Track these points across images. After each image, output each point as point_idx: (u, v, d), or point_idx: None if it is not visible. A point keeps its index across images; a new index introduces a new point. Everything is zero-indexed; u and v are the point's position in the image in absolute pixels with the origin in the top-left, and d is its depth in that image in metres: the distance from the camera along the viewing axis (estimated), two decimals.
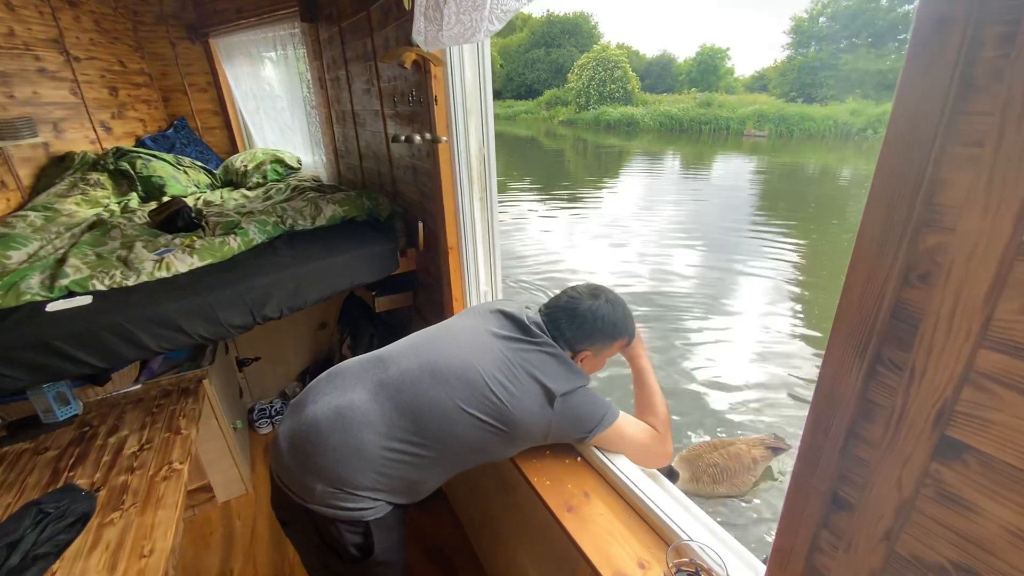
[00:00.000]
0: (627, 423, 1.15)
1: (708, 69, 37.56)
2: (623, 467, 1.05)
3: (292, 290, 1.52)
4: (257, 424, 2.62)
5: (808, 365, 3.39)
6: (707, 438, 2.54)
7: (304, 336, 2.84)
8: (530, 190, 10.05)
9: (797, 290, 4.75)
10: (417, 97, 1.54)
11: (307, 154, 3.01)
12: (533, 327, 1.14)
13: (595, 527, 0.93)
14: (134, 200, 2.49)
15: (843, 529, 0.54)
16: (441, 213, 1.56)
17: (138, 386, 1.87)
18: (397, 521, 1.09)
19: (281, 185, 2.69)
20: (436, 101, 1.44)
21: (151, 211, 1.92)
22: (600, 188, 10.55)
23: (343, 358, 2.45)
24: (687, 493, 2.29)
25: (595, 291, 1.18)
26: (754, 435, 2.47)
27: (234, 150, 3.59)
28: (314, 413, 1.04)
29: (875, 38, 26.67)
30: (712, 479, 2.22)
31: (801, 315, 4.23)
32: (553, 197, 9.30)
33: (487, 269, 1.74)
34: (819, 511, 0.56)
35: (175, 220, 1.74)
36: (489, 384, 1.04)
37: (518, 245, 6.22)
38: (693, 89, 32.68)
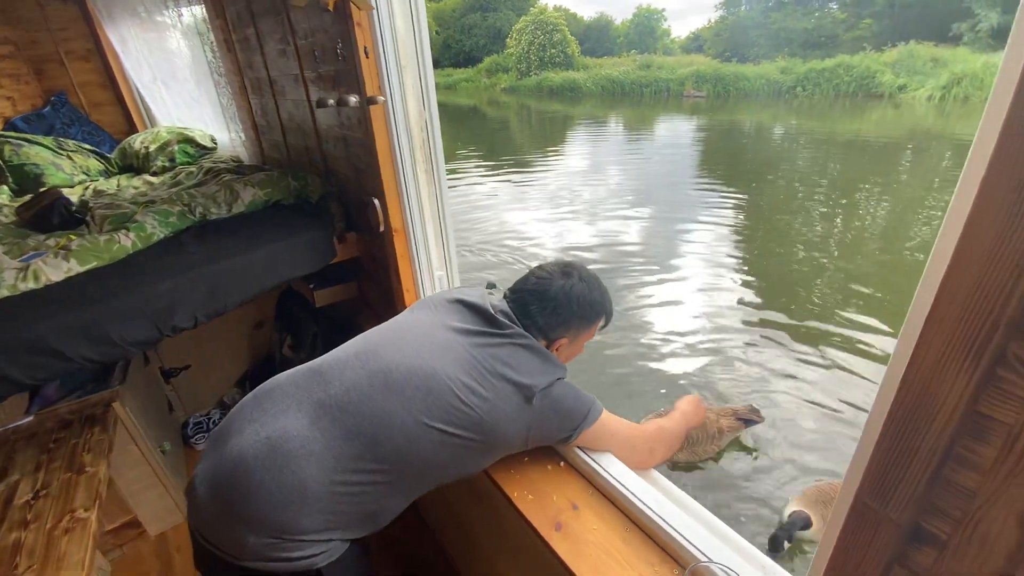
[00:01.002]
0: (614, 418, 1.02)
1: (645, 31, 37.59)
2: (614, 470, 0.92)
3: (206, 293, 1.27)
4: (193, 440, 2.34)
5: (747, 331, 3.42)
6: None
7: (240, 337, 2.55)
8: (477, 160, 9.75)
9: (739, 252, 4.87)
10: (342, 51, 1.28)
11: (222, 131, 2.63)
12: (500, 316, 0.98)
13: (589, 547, 0.81)
14: (4, 195, 2.07)
15: (928, 568, 0.42)
16: (380, 190, 1.34)
17: (30, 418, 1.56)
18: (356, 557, 0.93)
19: (193, 168, 2.33)
20: (366, 53, 1.20)
21: (19, 206, 1.56)
22: (547, 155, 10.41)
23: (284, 360, 2.20)
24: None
25: (566, 269, 1.02)
26: (730, 405, 2.44)
27: (133, 130, 3.11)
28: (239, 448, 0.84)
29: None
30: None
31: (745, 269, 4.39)
32: (501, 166, 9.07)
33: (440, 251, 1.54)
34: (893, 545, 0.44)
35: (49, 216, 1.41)
36: (455, 390, 0.88)
37: (469, 216, 6.04)
38: (632, 51, 32.65)
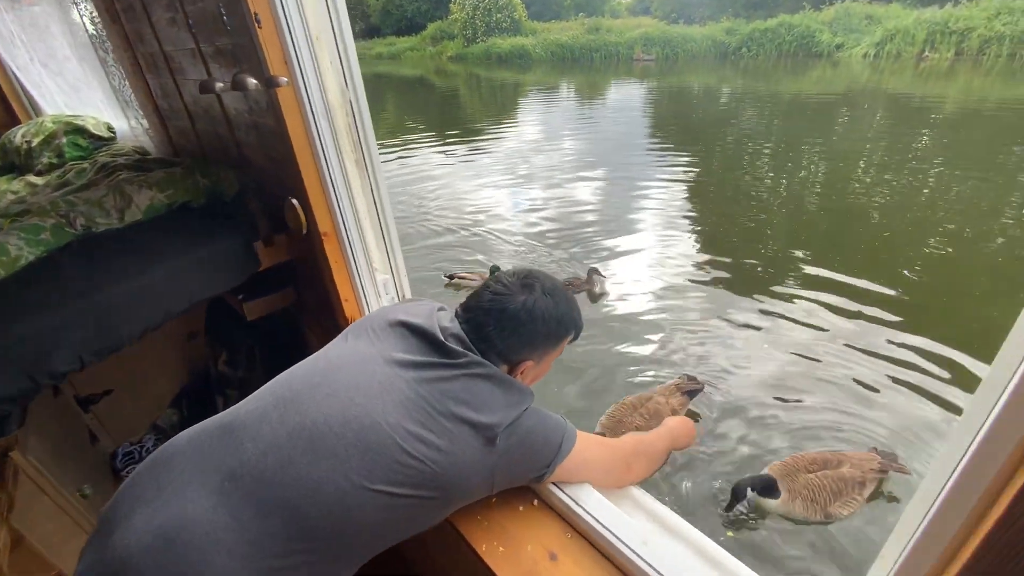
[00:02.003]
0: (587, 440, 0.90)
1: None
2: (596, 509, 0.81)
3: (93, 328, 1.04)
4: (125, 472, 2.09)
5: (701, 287, 3.52)
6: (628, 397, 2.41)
7: (171, 351, 2.27)
8: (428, 133, 9.34)
9: (693, 211, 4.97)
10: (229, 20, 1.04)
11: (120, 118, 2.27)
12: (451, 342, 0.83)
13: None
14: None
15: None
16: (301, 187, 1.13)
17: None
18: None
19: (86, 164, 1.99)
20: (258, 22, 0.97)
21: None
22: (500, 124, 10.12)
23: (221, 378, 1.97)
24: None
25: (527, 281, 0.87)
26: (670, 381, 2.40)
27: (15, 121, 2.67)
28: (125, 544, 0.65)
29: None
30: None
31: (698, 227, 4.49)
32: (453, 137, 8.74)
33: (382, 253, 1.35)
34: None
35: None
36: (400, 442, 0.72)
37: (424, 189, 5.82)
38: (580, 15, 31.94)
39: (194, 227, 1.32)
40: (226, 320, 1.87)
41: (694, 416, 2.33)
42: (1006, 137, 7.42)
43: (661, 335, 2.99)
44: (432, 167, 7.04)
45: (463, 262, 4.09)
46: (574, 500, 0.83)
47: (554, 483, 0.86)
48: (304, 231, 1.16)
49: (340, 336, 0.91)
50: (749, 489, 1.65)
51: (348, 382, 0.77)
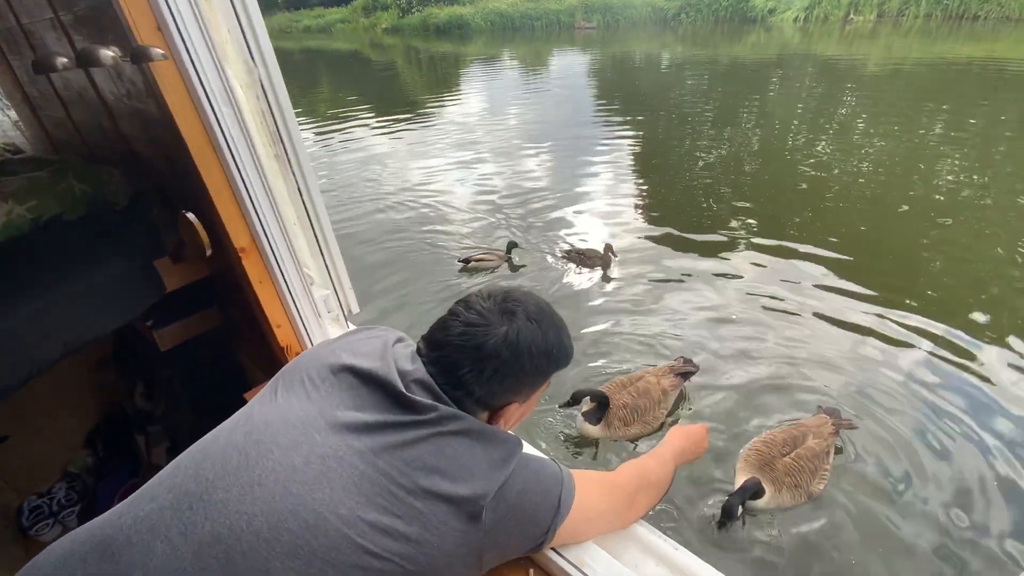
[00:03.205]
0: (586, 484, 0.76)
1: None
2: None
3: None
4: (35, 530, 1.78)
5: (653, 247, 3.60)
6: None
7: (78, 385, 1.94)
8: (368, 110, 8.80)
9: (639, 179, 5.01)
10: None
11: None
12: (415, 392, 0.65)
13: None
14: None
15: None
16: (203, 193, 0.89)
17: None
18: None
19: None
20: None
21: None
22: (442, 99, 9.70)
23: (140, 415, 1.70)
24: (598, 439, 2.14)
25: (506, 306, 0.69)
26: (664, 363, 2.35)
27: None
28: None
29: None
30: (623, 421, 2.06)
31: (645, 193, 4.60)
32: (395, 114, 8.29)
33: (319, 264, 1.13)
34: None
35: None
36: (359, 541, 0.55)
37: (370, 176, 5.50)
38: None
39: (71, 248, 1.05)
40: (142, 346, 1.59)
41: (687, 398, 2.31)
42: (923, 93, 7.90)
43: (610, 299, 3.04)
44: (377, 146, 6.69)
45: (423, 240, 3.89)
46: (578, 568, 0.68)
47: (553, 548, 0.72)
48: (207, 252, 0.92)
49: (267, 388, 0.71)
50: (740, 506, 1.59)
51: (279, 462, 0.58)
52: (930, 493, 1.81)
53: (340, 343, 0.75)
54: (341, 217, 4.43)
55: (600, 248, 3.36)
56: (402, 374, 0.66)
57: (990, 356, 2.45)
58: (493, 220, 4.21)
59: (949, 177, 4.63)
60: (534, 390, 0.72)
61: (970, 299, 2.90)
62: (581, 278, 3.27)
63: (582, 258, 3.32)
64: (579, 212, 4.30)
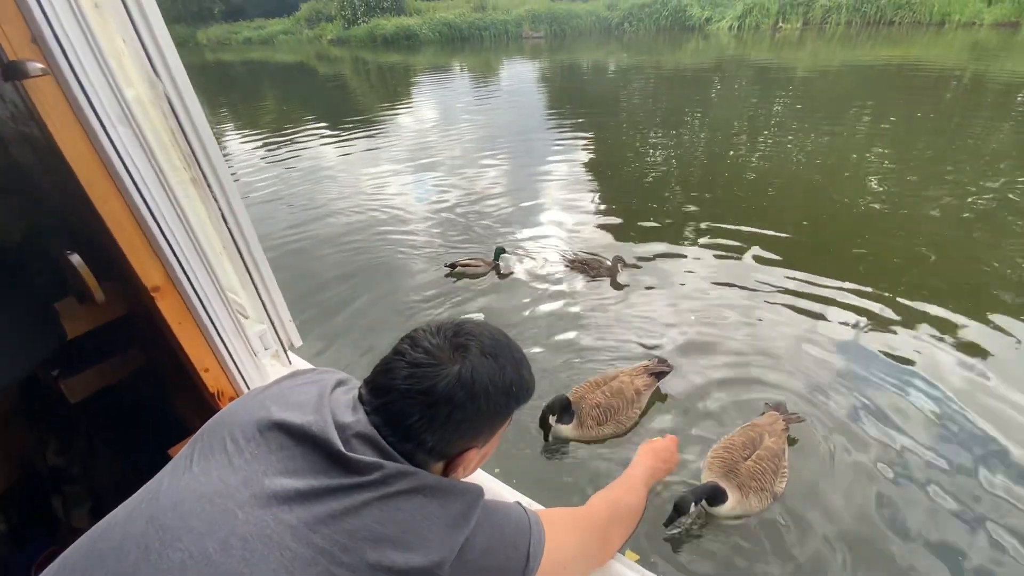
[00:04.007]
0: (556, 527, 0.69)
1: None
2: None
3: None
4: None
5: (611, 247, 3.66)
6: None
7: None
8: (317, 123, 8.53)
9: (593, 183, 5.08)
10: None
11: None
12: (357, 448, 0.57)
13: None
14: None
15: None
16: (101, 228, 0.77)
17: None
18: None
19: None
20: None
21: None
22: (394, 110, 9.56)
23: (55, 473, 1.50)
24: (571, 441, 2.11)
25: (457, 340, 0.62)
26: (639, 363, 2.34)
27: None
28: None
29: None
30: (596, 421, 2.04)
31: (600, 198, 4.65)
32: (345, 126, 8.09)
33: (251, 297, 1.02)
34: None
35: None
36: None
37: (321, 190, 5.32)
38: None
39: None
40: (48, 398, 1.40)
41: (662, 397, 2.30)
42: (849, 93, 8.47)
43: (571, 298, 3.08)
44: (328, 157, 6.50)
45: (378, 253, 3.77)
46: None
47: None
48: (99, 298, 0.80)
49: (182, 454, 0.61)
50: (694, 503, 1.56)
51: (190, 553, 0.48)
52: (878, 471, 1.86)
53: (270, 393, 0.65)
54: (290, 233, 4.24)
55: (608, 257, 3.34)
56: (341, 428, 0.57)
57: (919, 326, 2.66)
58: (450, 229, 4.15)
59: (878, 167, 4.97)
60: (494, 432, 0.65)
61: (904, 275, 3.15)
62: (558, 286, 3.25)
63: (586, 267, 3.27)
64: (536, 217, 4.31)
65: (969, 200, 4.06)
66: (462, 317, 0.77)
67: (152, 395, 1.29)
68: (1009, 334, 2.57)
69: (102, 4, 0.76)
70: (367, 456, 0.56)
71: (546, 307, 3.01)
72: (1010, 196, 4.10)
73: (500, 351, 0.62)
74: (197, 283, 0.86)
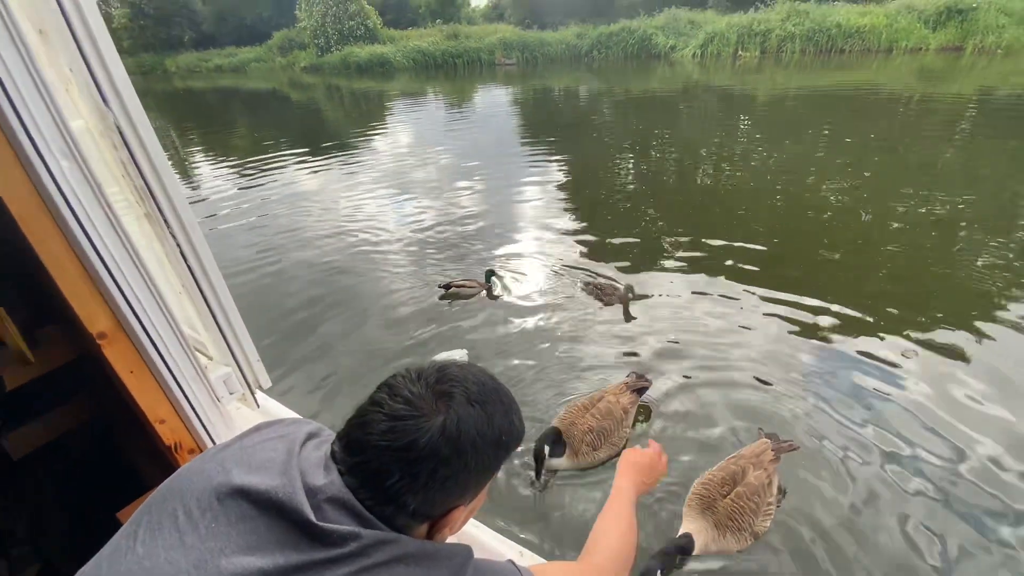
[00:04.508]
0: None
1: (446, 0, 36.88)
2: None
3: None
4: None
5: (587, 266, 3.70)
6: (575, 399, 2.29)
7: None
8: (291, 149, 8.45)
9: (569, 204, 5.13)
10: None
11: None
12: (330, 516, 0.50)
13: None
14: None
15: None
16: (42, 271, 0.70)
17: None
18: None
19: None
20: None
21: None
22: (368, 135, 9.57)
23: None
24: (569, 470, 2.03)
25: (441, 386, 0.56)
26: (618, 380, 2.31)
27: None
28: None
29: None
30: (591, 446, 1.99)
31: (576, 217, 4.71)
32: (320, 152, 8.04)
33: (216, 339, 0.95)
34: None
35: None
36: None
37: (296, 215, 5.22)
38: (438, 21, 31.79)
39: None
40: None
41: (646, 412, 2.28)
42: (807, 116, 8.90)
43: (554, 314, 3.10)
44: (302, 183, 6.43)
45: (355, 281, 3.68)
46: None
47: None
48: (26, 357, 0.72)
49: (126, 529, 0.53)
50: (659, 571, 1.47)
51: None
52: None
53: (231, 452, 0.58)
54: (261, 257, 4.13)
55: (620, 284, 3.31)
56: (312, 492, 0.51)
57: (885, 330, 2.79)
58: (428, 251, 4.12)
59: (839, 184, 5.19)
60: (482, 486, 0.60)
61: (865, 283, 3.31)
62: (544, 305, 3.23)
63: (600, 292, 3.24)
64: (516, 235, 4.33)
65: (923, 211, 4.31)
66: (442, 357, 0.72)
67: (104, 449, 1.18)
68: (978, 333, 2.70)
69: (47, 31, 0.70)
70: (342, 524, 0.49)
71: (531, 324, 2.99)
72: (961, 208, 4.34)
73: (488, 397, 0.57)
74: (151, 327, 0.78)
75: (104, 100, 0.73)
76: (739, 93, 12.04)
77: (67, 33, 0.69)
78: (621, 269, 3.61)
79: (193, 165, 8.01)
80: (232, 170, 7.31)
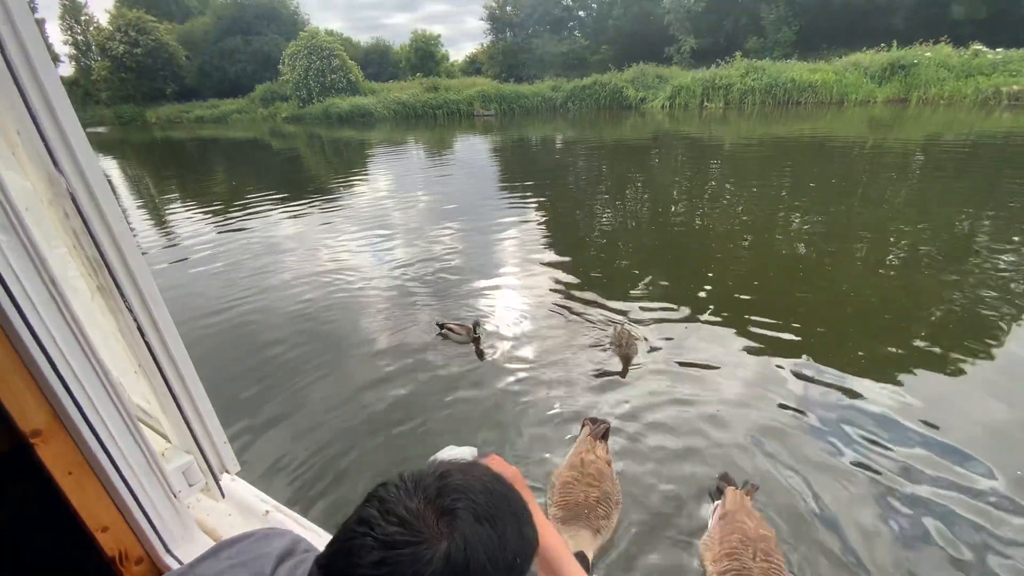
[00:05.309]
0: None
1: (426, 55, 38.56)
2: None
3: None
4: None
5: (564, 308, 3.69)
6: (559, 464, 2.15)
7: None
8: (272, 196, 8.40)
9: (547, 248, 5.17)
10: None
11: None
12: None
13: None
14: None
15: None
16: None
17: None
18: None
19: None
20: None
21: None
22: (350, 183, 9.64)
23: None
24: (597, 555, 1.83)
25: (443, 501, 0.46)
26: (579, 434, 2.22)
27: None
28: None
29: (553, 25, 31.61)
30: (605, 517, 1.85)
31: (554, 260, 4.73)
32: (301, 199, 8.00)
33: (175, 423, 0.83)
34: None
35: None
36: None
37: (277, 260, 5.09)
38: (418, 75, 33.08)
39: None
40: None
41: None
42: (771, 162, 9.35)
43: (537, 356, 3.07)
44: (283, 228, 6.34)
45: (335, 332, 3.52)
46: None
47: None
48: None
49: None
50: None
51: None
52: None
53: (200, 568, 0.47)
54: (235, 304, 3.95)
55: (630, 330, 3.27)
56: None
57: (847, 359, 2.86)
58: (407, 295, 4.06)
59: (801, 226, 5.39)
60: None
61: (836, 316, 3.44)
62: (525, 350, 3.15)
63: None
64: (492, 282, 4.31)
65: (881, 249, 4.51)
66: (446, 455, 0.63)
67: (37, 562, 1.01)
68: (934, 359, 2.82)
69: None
70: None
71: (508, 381, 2.86)
72: (918, 245, 4.56)
73: (497, 509, 0.48)
74: (97, 420, 0.67)
75: (56, 164, 0.65)
76: (707, 141, 12.66)
77: (15, 93, 0.62)
78: (593, 303, 3.67)
79: (169, 211, 7.88)
80: (208, 216, 7.21)
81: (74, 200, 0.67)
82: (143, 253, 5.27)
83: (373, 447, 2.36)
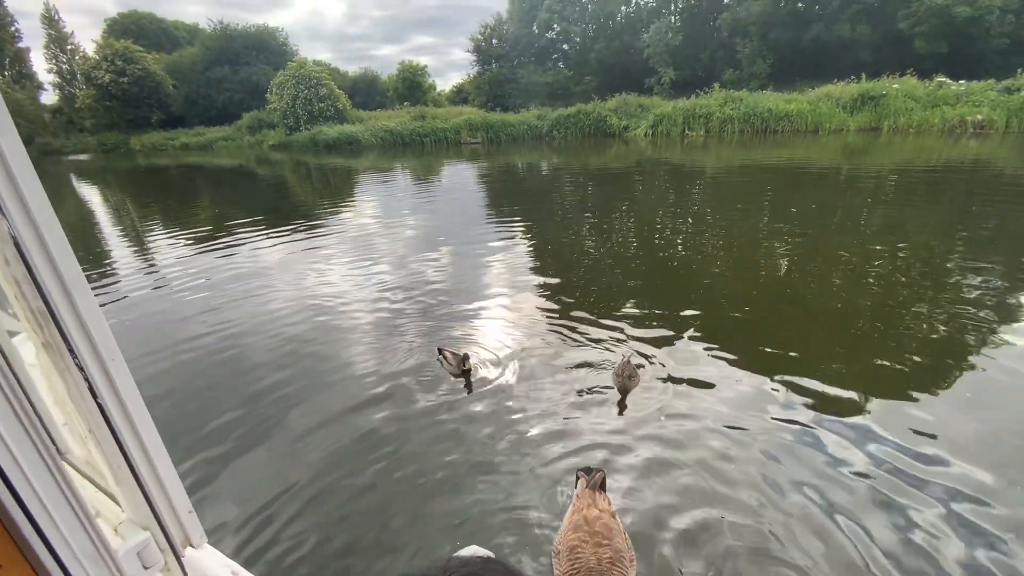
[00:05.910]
0: None
1: (413, 85, 39.31)
2: None
3: None
4: None
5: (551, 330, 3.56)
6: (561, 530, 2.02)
7: None
8: (258, 222, 8.28)
9: (534, 271, 5.18)
10: None
11: None
12: None
13: None
14: None
15: None
16: None
17: None
18: None
19: None
20: None
21: None
22: (337, 209, 9.56)
23: None
24: None
25: None
26: (576, 488, 2.08)
27: None
28: None
29: (537, 57, 32.59)
30: (621, 570, 1.72)
31: (541, 282, 4.77)
32: (288, 225, 7.89)
33: (130, 495, 0.72)
34: None
35: None
36: None
37: (269, 289, 4.93)
38: (406, 104, 33.60)
39: None
40: None
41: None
42: (751, 188, 9.57)
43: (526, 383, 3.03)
44: (269, 254, 6.23)
45: (320, 365, 3.35)
46: None
47: None
48: None
49: None
50: None
51: None
52: None
53: None
54: (221, 334, 3.78)
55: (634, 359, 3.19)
56: None
57: (836, 380, 2.86)
58: (396, 320, 3.99)
59: (783, 249, 5.46)
60: None
61: (820, 334, 3.47)
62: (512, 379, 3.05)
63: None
64: (479, 306, 4.26)
65: (862, 270, 4.59)
66: (467, 554, 0.54)
67: None
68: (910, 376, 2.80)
69: None
70: None
71: (499, 423, 2.73)
72: (896, 265, 4.65)
73: None
74: (34, 502, 0.57)
75: (7, 209, 0.57)
76: (689, 167, 12.95)
77: None
78: (581, 324, 3.65)
79: (150, 237, 7.70)
80: (191, 242, 7.04)
81: (17, 245, 0.58)
82: (113, 284, 5.18)
83: (359, 507, 2.15)
